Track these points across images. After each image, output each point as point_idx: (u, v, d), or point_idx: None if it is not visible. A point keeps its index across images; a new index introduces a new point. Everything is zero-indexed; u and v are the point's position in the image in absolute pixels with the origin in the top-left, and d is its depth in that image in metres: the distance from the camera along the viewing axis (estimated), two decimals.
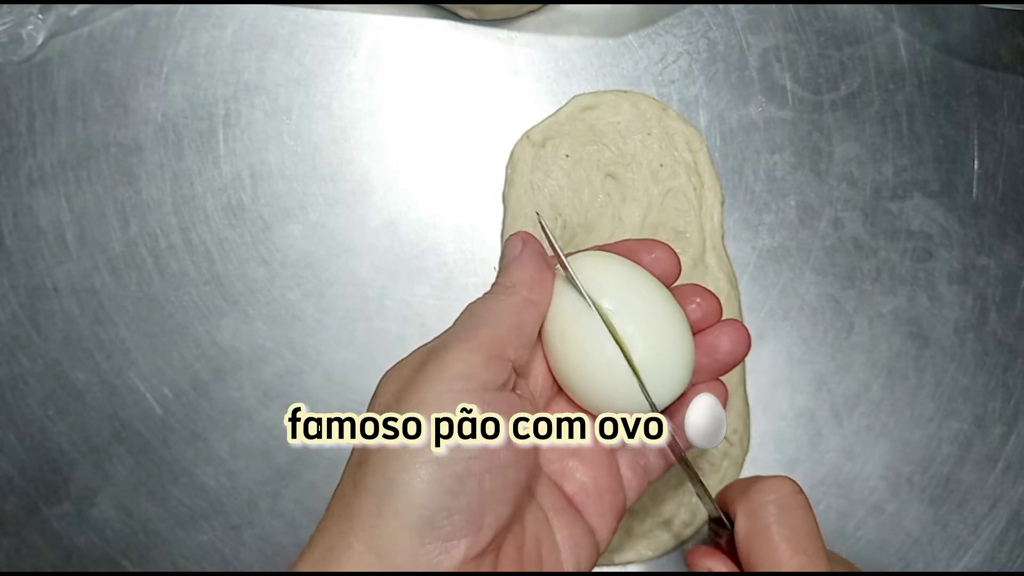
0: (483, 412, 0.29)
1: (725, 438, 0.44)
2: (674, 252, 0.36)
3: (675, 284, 0.36)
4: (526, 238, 0.34)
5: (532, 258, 0.34)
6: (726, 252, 0.46)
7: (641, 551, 0.44)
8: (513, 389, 0.31)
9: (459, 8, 0.47)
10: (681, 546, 0.45)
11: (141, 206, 0.46)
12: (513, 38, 0.48)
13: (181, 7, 0.47)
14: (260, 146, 0.47)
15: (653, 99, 0.47)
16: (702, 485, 0.35)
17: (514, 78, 0.48)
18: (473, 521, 0.28)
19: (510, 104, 0.47)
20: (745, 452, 0.45)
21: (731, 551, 0.33)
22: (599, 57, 0.48)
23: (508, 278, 0.33)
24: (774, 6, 0.48)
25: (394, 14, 0.48)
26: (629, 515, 0.44)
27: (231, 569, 0.45)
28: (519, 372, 0.32)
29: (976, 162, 0.48)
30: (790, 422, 0.46)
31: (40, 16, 0.46)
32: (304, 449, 0.45)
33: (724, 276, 0.45)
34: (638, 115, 0.46)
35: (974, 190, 0.47)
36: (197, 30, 0.47)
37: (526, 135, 0.46)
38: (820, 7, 0.48)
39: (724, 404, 0.35)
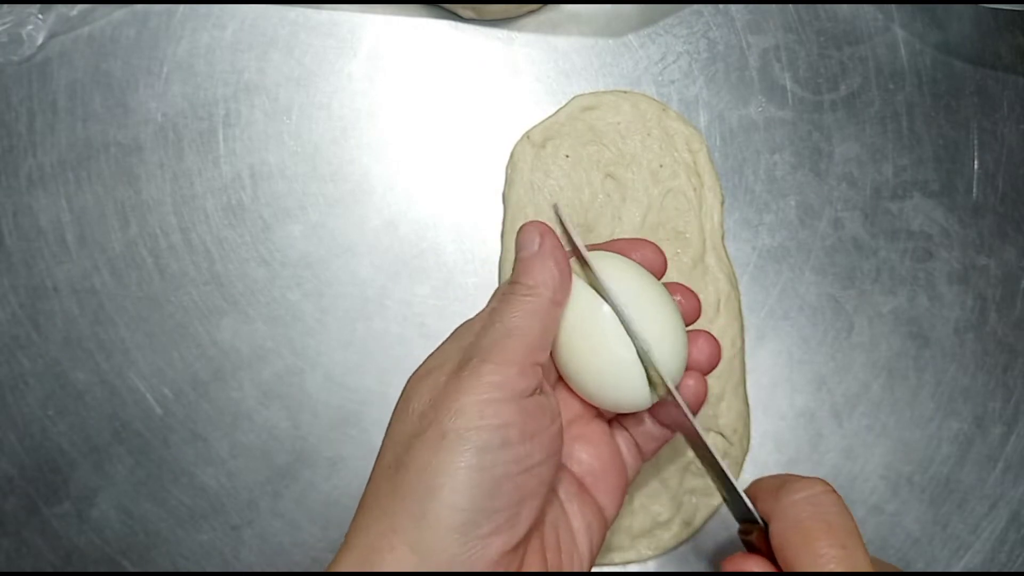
0: (521, 419, 0.30)
1: (725, 437, 0.44)
2: (660, 250, 0.38)
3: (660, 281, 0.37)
4: (544, 231, 0.34)
5: (553, 255, 0.34)
6: (726, 252, 0.46)
7: (641, 551, 0.44)
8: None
9: (459, 8, 0.47)
10: (680, 546, 0.45)
11: (141, 206, 0.46)
12: (513, 38, 0.48)
13: (181, 7, 0.47)
14: (260, 146, 0.47)
15: (653, 99, 0.47)
16: (731, 484, 0.34)
17: (514, 78, 0.48)
18: (510, 519, 0.29)
19: (510, 104, 0.47)
20: (745, 452, 0.45)
21: (765, 550, 0.33)
22: (599, 57, 0.48)
23: (531, 277, 0.33)
24: (774, 6, 0.48)
25: (394, 14, 0.48)
26: (629, 515, 0.44)
27: (231, 569, 0.45)
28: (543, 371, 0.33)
29: (976, 162, 0.48)
30: (790, 422, 0.46)
31: (40, 16, 0.46)
32: (304, 449, 0.45)
33: (724, 276, 0.45)
34: (638, 115, 0.46)
35: (974, 190, 0.47)
36: (197, 30, 0.47)
37: (526, 135, 0.46)
38: (820, 7, 0.48)
39: (705, 389, 0.37)
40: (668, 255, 0.45)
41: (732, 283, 0.45)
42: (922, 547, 0.45)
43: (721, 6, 0.48)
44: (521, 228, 0.34)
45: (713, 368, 0.37)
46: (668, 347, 0.34)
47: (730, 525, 0.45)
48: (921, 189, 0.47)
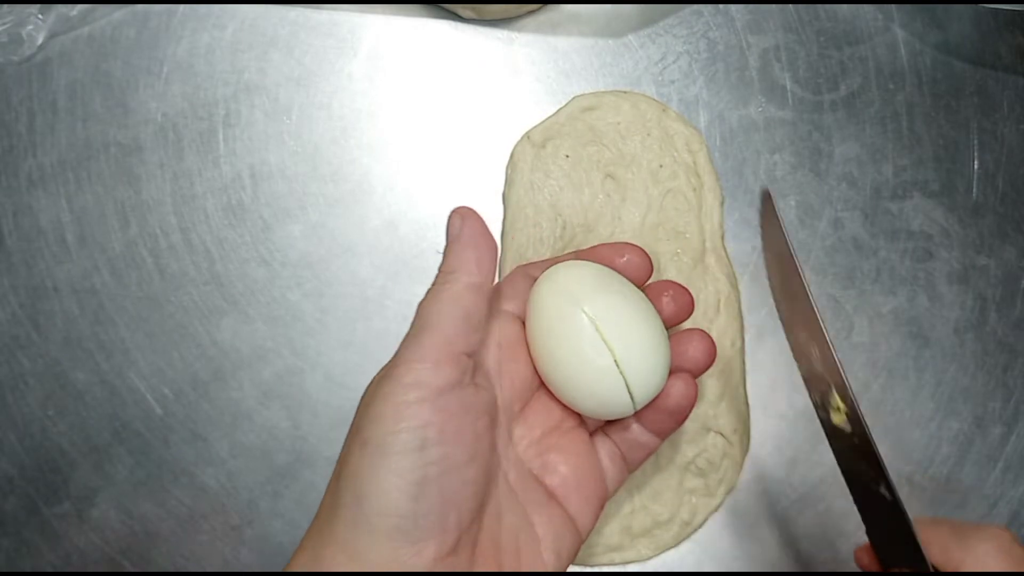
0: (440, 418, 0.30)
1: (725, 437, 0.44)
2: (645, 253, 0.38)
3: (647, 283, 0.38)
4: (465, 214, 0.33)
5: (471, 237, 0.33)
6: (726, 252, 0.46)
7: (641, 551, 0.44)
8: (473, 377, 0.32)
9: (459, 8, 0.47)
10: (680, 545, 0.45)
11: (141, 206, 0.46)
12: (513, 38, 0.48)
13: (181, 7, 0.47)
14: (260, 146, 0.47)
15: (653, 100, 0.47)
16: (908, 526, 0.34)
17: (514, 78, 0.48)
18: (440, 523, 0.29)
19: (510, 104, 0.47)
20: (745, 452, 0.45)
21: None
22: (599, 57, 0.48)
23: (448, 263, 0.33)
24: (774, 6, 0.48)
25: (394, 14, 0.48)
26: (630, 514, 0.44)
27: (231, 569, 0.45)
28: (476, 358, 0.33)
29: (976, 162, 0.48)
30: (790, 422, 0.46)
31: (40, 16, 0.46)
32: (304, 449, 0.45)
33: (724, 276, 0.45)
34: (638, 116, 0.46)
35: (974, 190, 0.47)
36: (197, 30, 0.47)
37: (526, 135, 0.46)
38: (820, 7, 0.48)
39: (695, 392, 0.36)
40: (668, 255, 0.45)
41: (732, 283, 0.45)
42: None
43: (721, 6, 0.48)
44: (449, 216, 0.33)
45: (709, 366, 0.37)
46: (643, 361, 0.34)
47: (730, 523, 0.45)
48: (921, 189, 0.47)
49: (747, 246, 0.47)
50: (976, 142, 0.48)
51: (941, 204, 0.47)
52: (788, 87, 0.48)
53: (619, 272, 0.37)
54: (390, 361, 0.31)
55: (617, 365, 0.33)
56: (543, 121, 0.46)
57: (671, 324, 0.37)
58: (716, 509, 0.45)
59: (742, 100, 0.47)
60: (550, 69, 0.48)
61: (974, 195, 0.47)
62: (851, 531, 0.45)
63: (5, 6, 0.45)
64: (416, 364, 0.30)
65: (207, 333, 0.46)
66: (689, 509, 0.44)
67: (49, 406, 0.45)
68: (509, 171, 0.46)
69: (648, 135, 0.46)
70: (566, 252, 0.43)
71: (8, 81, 0.46)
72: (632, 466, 0.38)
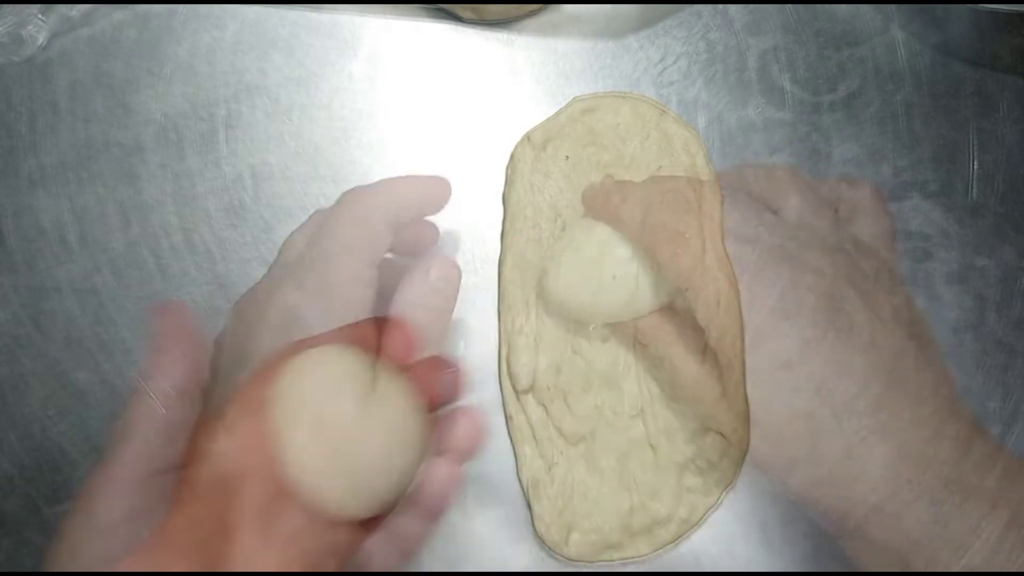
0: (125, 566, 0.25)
1: (725, 437, 0.44)
2: (411, 331, 0.33)
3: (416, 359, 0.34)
4: (165, 311, 0.30)
5: (171, 337, 0.30)
6: (726, 253, 0.46)
7: (640, 548, 0.44)
8: (180, 492, 0.28)
9: (459, 9, 0.47)
10: (679, 543, 0.45)
11: (142, 206, 0.46)
12: (513, 40, 0.48)
13: (182, 8, 0.47)
14: (261, 147, 0.47)
15: (652, 102, 0.47)
16: None
17: (514, 80, 0.48)
18: None
19: (510, 105, 0.47)
20: (745, 452, 0.45)
21: None
22: (599, 59, 0.48)
23: (151, 365, 0.29)
24: (773, 7, 0.48)
25: (394, 15, 0.48)
26: (628, 512, 0.44)
27: None
28: (198, 464, 0.28)
29: (975, 163, 0.48)
30: (790, 422, 0.46)
31: (41, 17, 0.46)
32: None
33: (724, 276, 0.45)
34: (637, 118, 0.46)
35: (973, 191, 0.48)
36: (198, 31, 0.47)
37: (527, 137, 0.46)
38: (819, 8, 0.48)
39: (458, 475, 0.32)
40: (668, 255, 0.45)
41: (732, 283, 0.45)
42: (922, 547, 0.45)
43: (720, 7, 0.48)
44: (154, 309, 0.30)
45: (475, 452, 0.33)
46: (359, 476, 0.29)
47: (729, 522, 0.45)
48: (920, 190, 0.47)
49: (747, 246, 0.47)
50: (975, 143, 0.48)
51: (940, 205, 0.47)
52: (787, 88, 0.48)
53: (382, 351, 0.33)
54: (79, 488, 0.27)
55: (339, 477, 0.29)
56: (543, 122, 0.46)
57: (439, 405, 0.33)
58: (715, 508, 0.45)
59: (741, 101, 0.48)
60: (550, 70, 0.48)
61: (973, 196, 0.47)
62: (851, 531, 0.45)
63: (6, 6, 0.46)
64: (98, 497, 0.26)
65: (208, 333, 0.45)
66: (688, 507, 0.44)
67: (50, 406, 0.45)
68: (509, 172, 0.46)
69: (647, 137, 0.46)
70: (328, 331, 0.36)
71: (9, 81, 0.46)
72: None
